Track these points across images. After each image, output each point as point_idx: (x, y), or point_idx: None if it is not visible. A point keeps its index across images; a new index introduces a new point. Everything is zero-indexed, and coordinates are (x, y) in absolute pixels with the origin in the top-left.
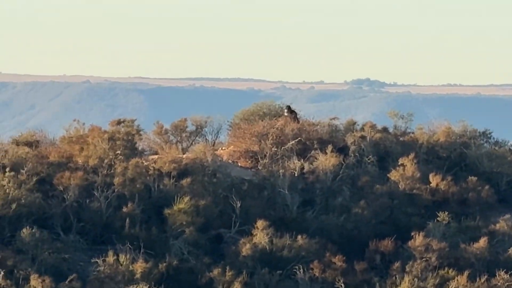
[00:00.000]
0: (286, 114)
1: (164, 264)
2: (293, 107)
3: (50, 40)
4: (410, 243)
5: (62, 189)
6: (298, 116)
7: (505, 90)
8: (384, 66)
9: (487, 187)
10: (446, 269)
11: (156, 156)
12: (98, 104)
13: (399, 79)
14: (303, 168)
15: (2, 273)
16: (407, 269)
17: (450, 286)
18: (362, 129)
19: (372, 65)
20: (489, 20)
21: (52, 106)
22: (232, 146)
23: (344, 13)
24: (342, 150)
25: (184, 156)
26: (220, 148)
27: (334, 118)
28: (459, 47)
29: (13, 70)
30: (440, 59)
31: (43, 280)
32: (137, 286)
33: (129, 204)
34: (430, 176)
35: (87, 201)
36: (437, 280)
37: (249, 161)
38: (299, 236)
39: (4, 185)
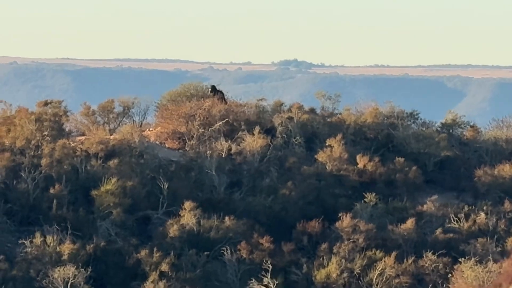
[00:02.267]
0: (210, 93)
1: (92, 245)
2: (219, 87)
3: None
4: (337, 224)
5: None
6: (225, 97)
7: (432, 71)
8: (312, 47)
9: (414, 168)
10: (373, 250)
11: (83, 137)
12: (25, 85)
13: (327, 60)
14: (230, 149)
15: None
16: (335, 250)
17: (378, 267)
18: (290, 110)
19: (299, 46)
20: (416, 1)
21: None
22: (159, 127)
23: None
24: (269, 131)
25: (111, 137)
26: (147, 129)
27: (261, 99)
28: (387, 28)
29: None
30: (367, 40)
31: None
32: (64, 267)
33: (57, 185)
34: (358, 157)
35: (14, 182)
36: (365, 261)
37: (177, 142)
38: (227, 217)
39: None
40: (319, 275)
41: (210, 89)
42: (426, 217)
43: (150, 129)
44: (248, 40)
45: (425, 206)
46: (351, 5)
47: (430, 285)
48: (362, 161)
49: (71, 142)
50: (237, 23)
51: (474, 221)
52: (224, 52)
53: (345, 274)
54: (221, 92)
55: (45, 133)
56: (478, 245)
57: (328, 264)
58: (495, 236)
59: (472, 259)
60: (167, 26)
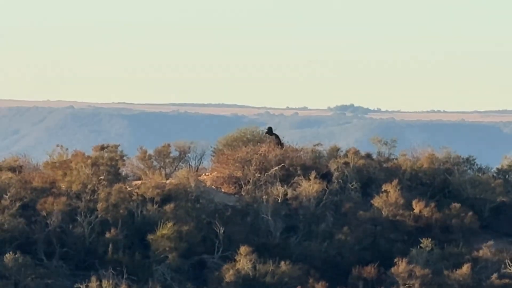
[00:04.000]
0: (266, 135)
1: None
2: (275, 131)
3: (33, 65)
4: (393, 269)
5: (45, 214)
6: (281, 141)
7: (488, 117)
8: (368, 92)
9: (470, 213)
10: None
11: (139, 182)
12: (82, 130)
13: (383, 105)
14: (286, 194)
15: None
16: None
17: None
18: (346, 155)
19: (355, 91)
20: (473, 46)
21: (35, 131)
22: (215, 172)
23: (328, 38)
24: (325, 176)
25: (168, 181)
26: (203, 174)
27: (317, 144)
28: (443, 73)
29: None
30: (424, 86)
31: None
32: None
33: (112, 230)
34: (414, 202)
35: (70, 226)
36: None
37: (233, 187)
38: (282, 262)
39: None
40: None
41: (266, 131)
42: (482, 262)
43: (206, 173)
44: (304, 85)
45: (480, 251)
46: (407, 50)
47: None
48: (418, 206)
49: (127, 187)
50: (294, 68)
51: None
52: (281, 97)
53: None
54: (277, 135)
55: (101, 177)
56: None
57: None
58: None
59: None
60: (223, 71)
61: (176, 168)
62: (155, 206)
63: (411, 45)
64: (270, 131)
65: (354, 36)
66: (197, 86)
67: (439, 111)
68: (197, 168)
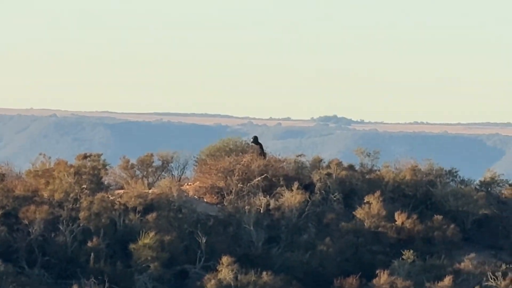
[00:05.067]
0: (251, 143)
1: None
2: (259, 140)
3: (17, 73)
4: (375, 281)
5: (27, 222)
6: (264, 151)
7: (471, 129)
8: (351, 103)
9: (452, 226)
10: None
11: (122, 191)
12: (65, 138)
13: (366, 116)
14: (269, 205)
15: None
16: None
17: None
18: (328, 166)
19: (339, 102)
20: (457, 59)
21: (18, 139)
22: (198, 182)
23: (311, 50)
24: (308, 187)
25: (150, 191)
26: (186, 184)
27: (300, 155)
28: (426, 86)
29: None
30: (406, 97)
31: None
32: None
33: (94, 239)
34: (396, 214)
35: (52, 235)
36: None
37: (215, 197)
38: (264, 273)
39: None
40: None
41: (252, 140)
42: (464, 275)
43: (189, 183)
44: (287, 96)
45: (462, 264)
46: (389, 63)
47: None
48: (400, 218)
49: (109, 196)
50: (277, 78)
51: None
52: (264, 107)
53: None
54: (261, 145)
55: (83, 186)
56: None
57: None
58: None
59: None
60: (207, 81)
61: (159, 178)
62: (137, 216)
63: (394, 56)
64: (255, 140)
65: (337, 46)
66: (180, 95)
67: (422, 123)
68: (180, 178)
